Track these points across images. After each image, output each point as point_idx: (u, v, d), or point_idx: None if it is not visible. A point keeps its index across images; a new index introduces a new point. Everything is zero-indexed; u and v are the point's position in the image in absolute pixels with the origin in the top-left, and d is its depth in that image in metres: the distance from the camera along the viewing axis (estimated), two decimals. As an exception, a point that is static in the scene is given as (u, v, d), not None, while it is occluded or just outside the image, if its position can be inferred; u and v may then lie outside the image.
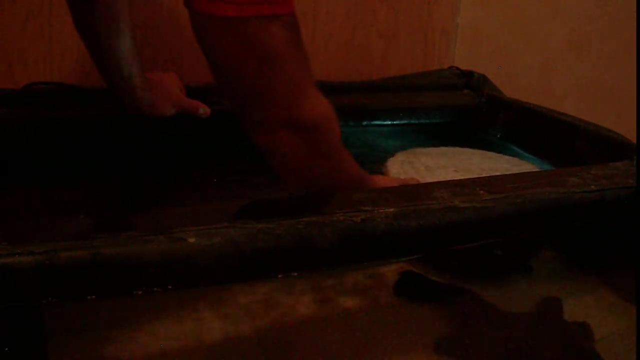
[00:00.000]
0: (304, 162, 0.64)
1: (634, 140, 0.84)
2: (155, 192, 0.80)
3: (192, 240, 0.48)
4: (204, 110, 0.91)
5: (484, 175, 0.88)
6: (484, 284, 0.85)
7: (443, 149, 0.98)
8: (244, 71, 0.58)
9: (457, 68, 1.19)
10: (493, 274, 0.88)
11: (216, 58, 0.58)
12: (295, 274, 0.54)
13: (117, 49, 0.80)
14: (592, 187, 0.66)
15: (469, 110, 1.13)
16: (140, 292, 0.47)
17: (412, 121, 1.09)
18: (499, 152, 1.01)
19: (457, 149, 1.00)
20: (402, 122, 1.07)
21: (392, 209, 0.56)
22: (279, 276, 0.53)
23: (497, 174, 0.86)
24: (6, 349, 0.58)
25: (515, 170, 0.92)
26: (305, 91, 0.61)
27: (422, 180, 0.84)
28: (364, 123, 1.06)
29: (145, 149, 0.91)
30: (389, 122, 1.07)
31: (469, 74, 1.16)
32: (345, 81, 1.06)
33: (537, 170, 0.93)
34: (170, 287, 0.48)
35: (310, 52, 0.61)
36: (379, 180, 0.76)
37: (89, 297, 0.46)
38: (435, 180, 0.77)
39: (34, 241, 0.44)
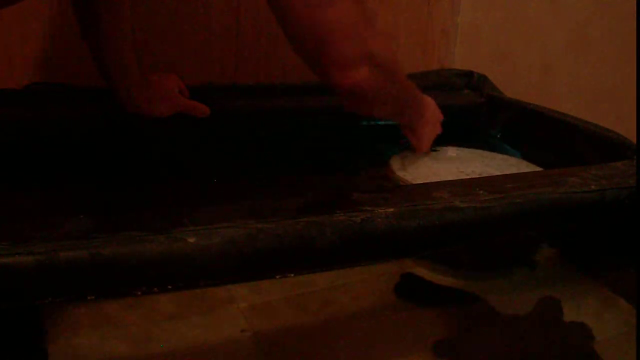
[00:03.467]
0: (387, 91, 0.71)
1: (634, 140, 0.84)
2: (155, 192, 0.80)
3: (192, 240, 0.48)
4: (202, 110, 0.92)
5: (484, 175, 0.88)
6: (484, 285, 0.85)
7: (443, 148, 0.98)
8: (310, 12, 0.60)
9: (457, 68, 1.19)
10: (495, 273, 0.88)
11: (281, 10, 0.61)
12: (295, 274, 0.54)
13: (117, 38, 0.81)
14: (592, 187, 0.66)
15: (469, 110, 1.13)
16: (140, 292, 0.47)
17: (413, 121, 1.09)
18: (499, 152, 1.01)
19: (458, 149, 1.00)
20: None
21: (392, 209, 0.56)
22: (279, 276, 0.53)
23: (497, 174, 0.86)
24: (6, 348, 0.58)
25: (515, 170, 0.92)
26: (372, 25, 0.64)
27: (424, 180, 0.84)
28: (364, 123, 1.06)
29: (145, 149, 0.91)
30: (390, 122, 1.07)
31: (469, 74, 1.16)
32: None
33: (537, 170, 0.93)
34: (170, 287, 0.48)
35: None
36: (426, 99, 0.89)
37: (89, 297, 0.46)
38: (436, 180, 0.77)
39: (34, 241, 0.44)
